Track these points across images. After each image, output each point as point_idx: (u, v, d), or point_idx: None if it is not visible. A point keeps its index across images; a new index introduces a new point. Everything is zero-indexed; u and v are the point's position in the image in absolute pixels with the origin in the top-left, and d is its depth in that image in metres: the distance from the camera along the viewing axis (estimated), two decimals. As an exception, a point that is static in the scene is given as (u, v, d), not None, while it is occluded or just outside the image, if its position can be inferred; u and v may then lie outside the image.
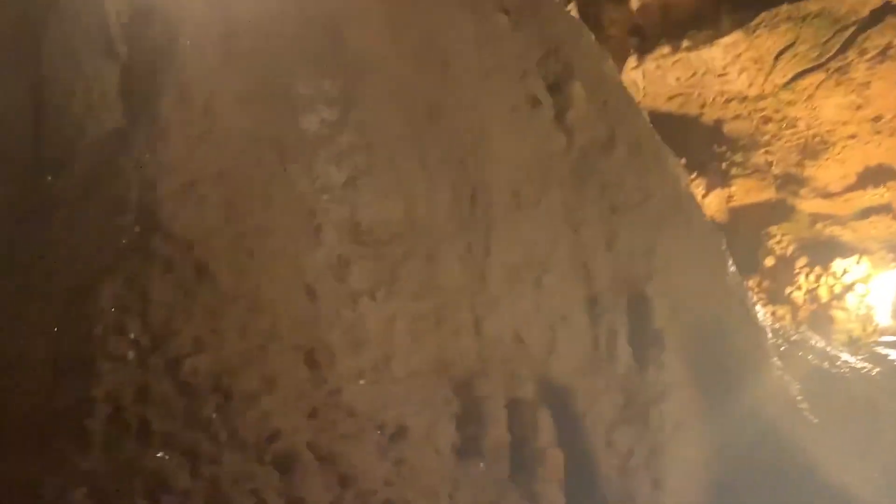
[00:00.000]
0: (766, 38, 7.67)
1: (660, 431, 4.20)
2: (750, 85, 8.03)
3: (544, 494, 3.72)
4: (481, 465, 3.64)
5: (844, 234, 8.52)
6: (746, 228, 8.30)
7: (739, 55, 7.81)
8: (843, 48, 7.86)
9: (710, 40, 7.79)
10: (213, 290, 3.01)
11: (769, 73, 7.91)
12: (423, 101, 4.01)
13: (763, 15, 7.65)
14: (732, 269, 5.14)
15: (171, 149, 3.05)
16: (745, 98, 8.18)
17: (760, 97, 8.13)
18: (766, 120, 8.27)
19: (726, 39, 7.73)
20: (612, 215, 4.49)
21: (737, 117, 8.38)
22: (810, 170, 8.34)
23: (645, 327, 4.36)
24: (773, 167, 8.44)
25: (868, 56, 7.85)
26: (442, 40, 4.15)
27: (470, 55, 4.24)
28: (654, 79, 8.19)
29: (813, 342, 5.94)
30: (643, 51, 8.12)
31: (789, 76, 7.95)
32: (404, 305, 3.62)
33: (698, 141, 8.48)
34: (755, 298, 6.43)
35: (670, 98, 8.40)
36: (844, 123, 8.20)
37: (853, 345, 7.39)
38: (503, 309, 3.94)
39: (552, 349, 4.06)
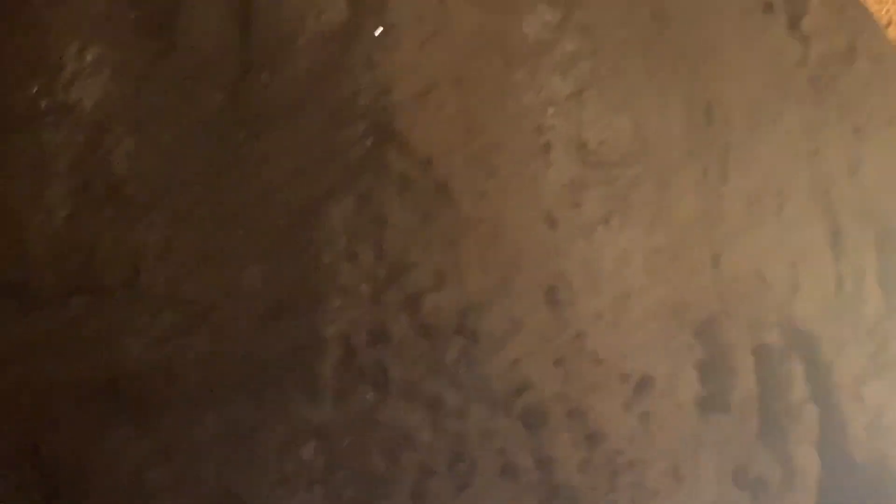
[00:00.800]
0: None
1: (915, 385, 3.69)
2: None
3: (798, 457, 3.23)
4: (728, 421, 3.20)
5: None
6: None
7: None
8: None
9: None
10: (453, 215, 2.58)
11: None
12: (649, 1, 3.52)
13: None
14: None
15: (405, 47, 2.62)
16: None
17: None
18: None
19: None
20: (854, 137, 3.88)
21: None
22: None
23: (896, 267, 3.82)
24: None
25: None
26: (665, -71, 3.62)
27: (695, -52, 3.71)
28: None
29: None
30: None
31: None
32: (638, 237, 3.15)
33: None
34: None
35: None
36: None
37: None
38: (742, 243, 3.43)
39: (795, 289, 3.53)
